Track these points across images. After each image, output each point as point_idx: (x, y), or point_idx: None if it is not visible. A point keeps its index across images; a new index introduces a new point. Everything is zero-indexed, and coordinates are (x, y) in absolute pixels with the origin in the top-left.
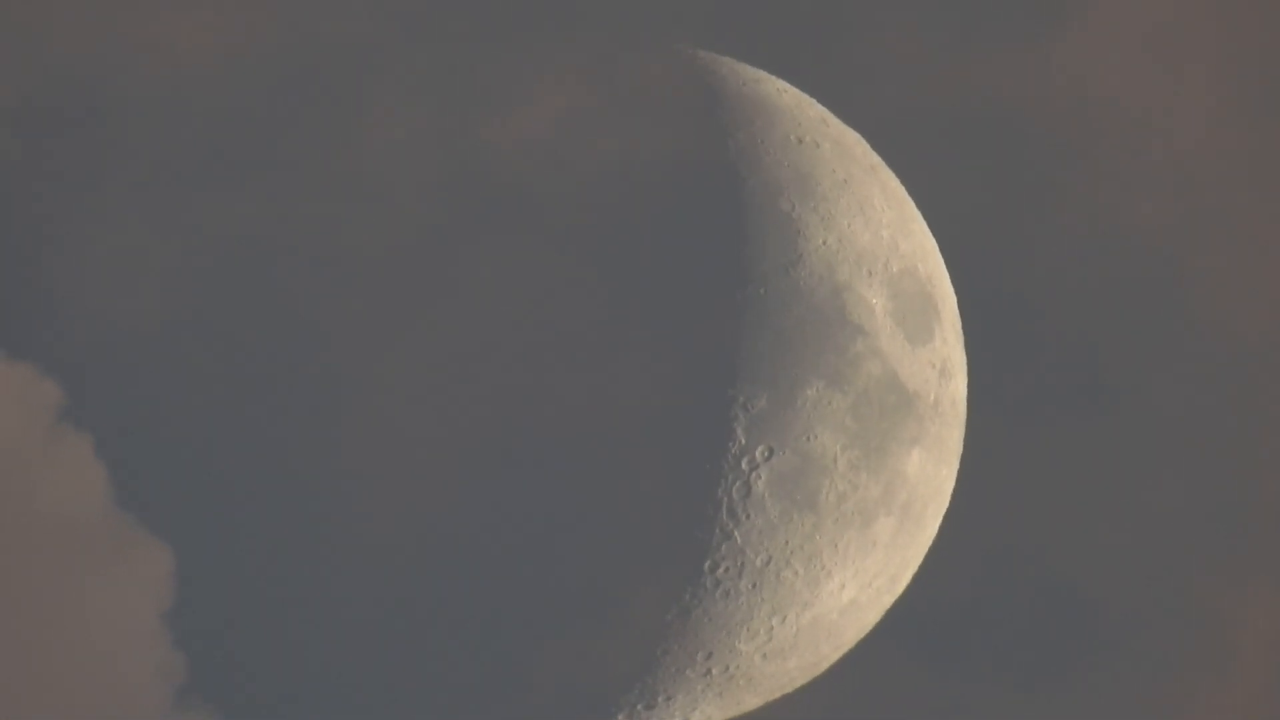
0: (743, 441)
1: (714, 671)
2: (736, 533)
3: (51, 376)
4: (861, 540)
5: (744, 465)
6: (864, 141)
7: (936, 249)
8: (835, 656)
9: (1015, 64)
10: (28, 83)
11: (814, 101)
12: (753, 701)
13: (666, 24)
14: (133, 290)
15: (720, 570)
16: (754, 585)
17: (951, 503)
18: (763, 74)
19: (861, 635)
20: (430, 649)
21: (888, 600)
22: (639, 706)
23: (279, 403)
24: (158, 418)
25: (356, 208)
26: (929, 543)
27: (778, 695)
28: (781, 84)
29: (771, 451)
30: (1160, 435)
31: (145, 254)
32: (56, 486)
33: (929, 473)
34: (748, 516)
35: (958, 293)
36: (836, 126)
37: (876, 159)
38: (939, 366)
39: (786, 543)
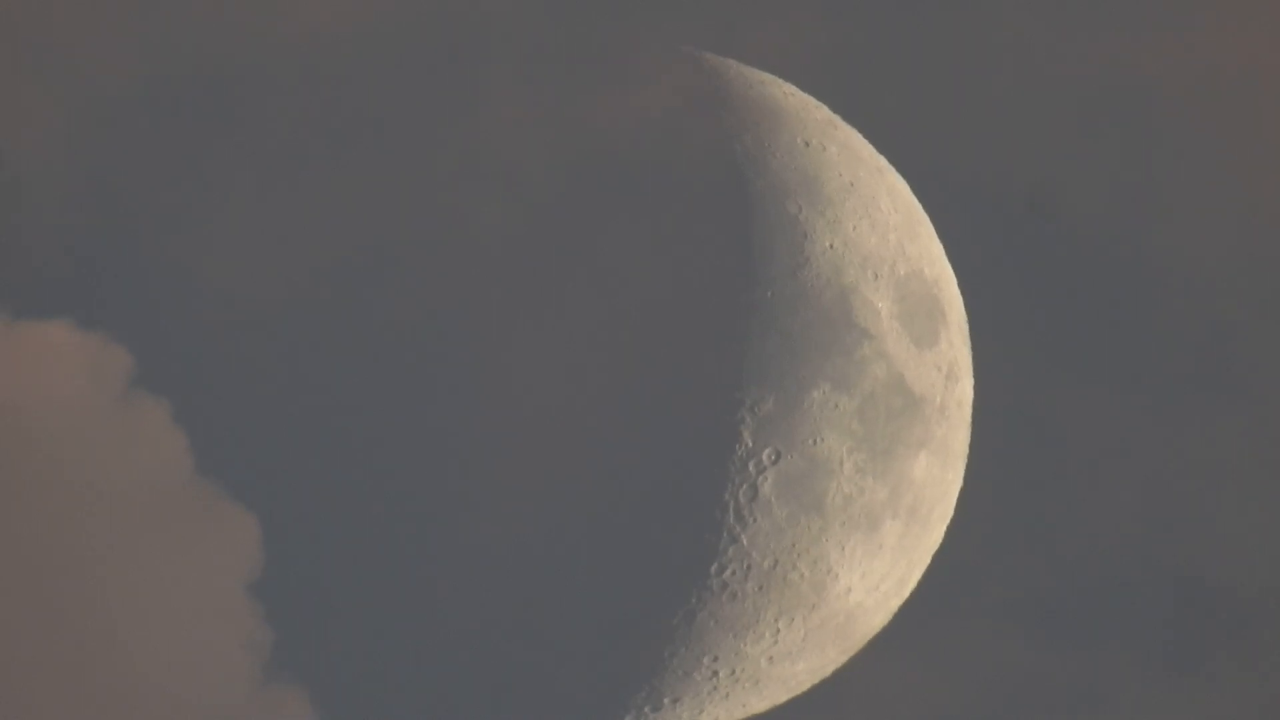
0: (749, 444)
1: (720, 674)
2: (743, 535)
3: (127, 344)
4: (868, 543)
5: (751, 468)
6: (870, 144)
7: (943, 252)
8: (842, 659)
9: (1019, 65)
10: (156, 56)
11: (820, 104)
12: (759, 704)
13: (671, 26)
14: (245, 260)
15: (727, 573)
16: (760, 588)
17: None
18: (769, 76)
19: (868, 638)
20: (439, 648)
21: (894, 603)
22: (646, 709)
23: (371, 370)
24: (241, 384)
25: (475, 184)
26: (935, 545)
27: (785, 698)
28: (788, 87)
29: (778, 454)
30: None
31: (250, 224)
32: (134, 454)
33: (935, 476)
34: (754, 519)
35: (963, 295)
36: (843, 129)
37: (883, 162)
38: (945, 369)
39: (793, 545)
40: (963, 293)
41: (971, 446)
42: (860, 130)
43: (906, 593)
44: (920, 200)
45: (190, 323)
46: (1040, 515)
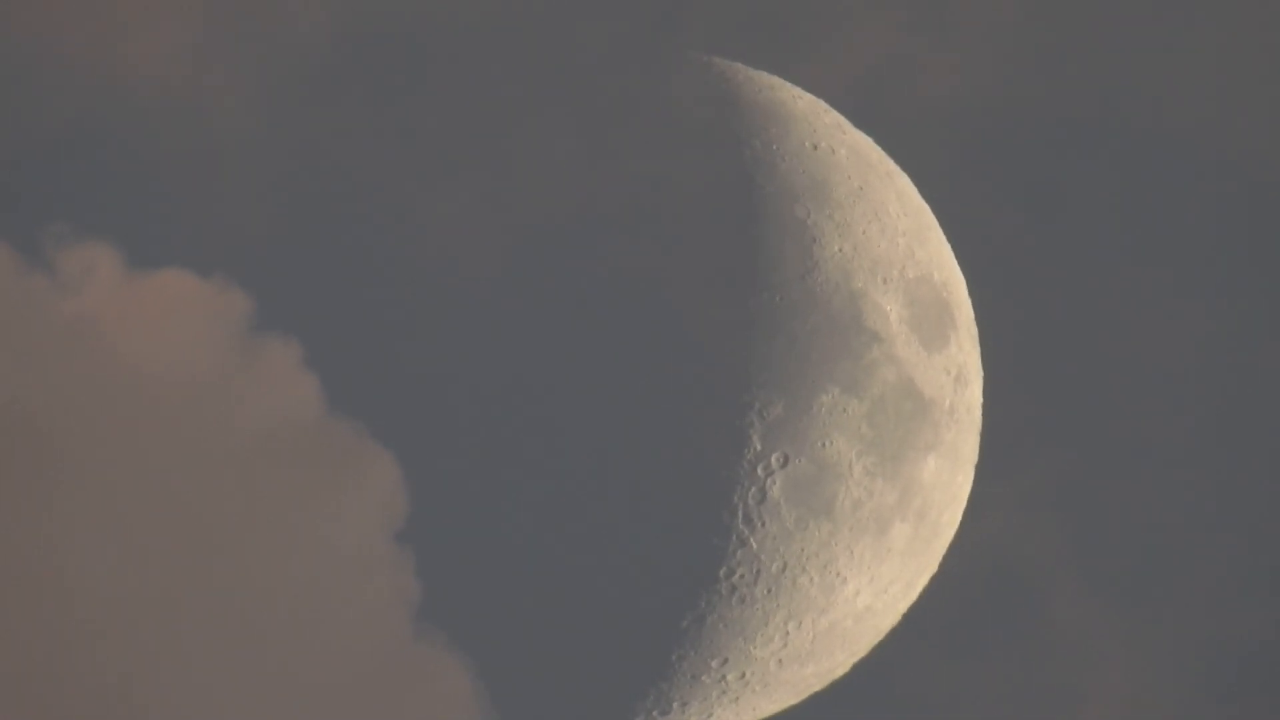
0: (758, 448)
1: (729, 678)
2: (752, 539)
3: (247, 289)
4: (877, 547)
5: (759, 471)
6: (879, 148)
7: (952, 256)
8: (850, 663)
9: (1025, 67)
10: (333, 35)
11: (829, 108)
12: (768, 708)
13: (679, 30)
14: (381, 206)
15: (736, 576)
16: (769, 591)
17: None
18: (778, 80)
19: (877, 642)
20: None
21: (903, 606)
22: (654, 713)
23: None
24: (375, 323)
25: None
26: (945, 549)
27: (793, 702)
28: (797, 90)
29: (787, 458)
30: None
31: (386, 172)
32: (265, 398)
33: (945, 479)
34: (763, 523)
35: (973, 299)
36: (852, 133)
37: (892, 165)
38: (954, 373)
39: (802, 549)
40: (972, 297)
41: (981, 450)
42: (869, 134)
43: (915, 596)
44: (929, 204)
45: (323, 274)
46: (1049, 519)
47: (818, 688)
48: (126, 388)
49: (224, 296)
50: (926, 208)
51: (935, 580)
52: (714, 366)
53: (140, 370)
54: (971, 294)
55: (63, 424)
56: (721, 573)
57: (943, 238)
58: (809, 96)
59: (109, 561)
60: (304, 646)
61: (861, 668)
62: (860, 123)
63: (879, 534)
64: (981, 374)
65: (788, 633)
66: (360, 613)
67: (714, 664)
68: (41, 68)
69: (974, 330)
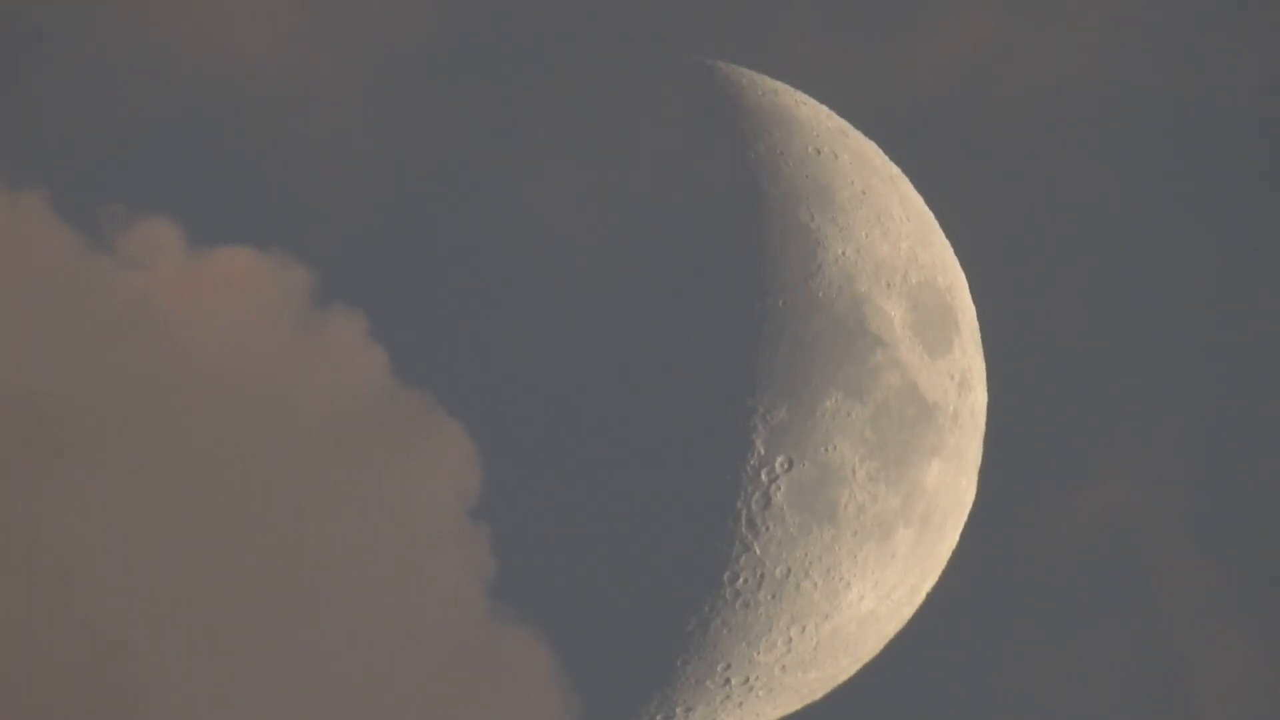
0: (762, 453)
1: (733, 683)
2: (756, 544)
3: (309, 263)
4: (880, 552)
5: (763, 476)
6: (882, 153)
7: (955, 260)
8: (855, 668)
9: (1030, 70)
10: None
11: (832, 113)
12: (772, 713)
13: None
14: (441, 172)
15: (739, 581)
16: (773, 596)
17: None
18: (781, 85)
19: (881, 646)
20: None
21: (907, 612)
22: (658, 718)
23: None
24: (444, 293)
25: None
26: (949, 554)
27: (797, 707)
28: (800, 95)
29: (791, 463)
30: None
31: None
32: (331, 373)
33: (948, 484)
34: (767, 528)
35: (976, 303)
36: (855, 138)
37: (895, 170)
38: (958, 378)
39: (805, 554)
40: (975, 301)
41: (984, 455)
42: (872, 138)
43: (919, 601)
44: (932, 208)
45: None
46: (1053, 522)
47: (822, 693)
48: (190, 367)
49: (285, 271)
50: (929, 212)
51: (938, 585)
52: (717, 371)
53: (203, 348)
54: (974, 298)
55: (126, 405)
56: (725, 577)
57: (946, 241)
58: (811, 101)
59: (178, 543)
60: (376, 627)
61: (865, 673)
62: (862, 126)
63: (882, 539)
64: (985, 378)
65: (791, 638)
66: (433, 591)
67: (718, 669)
68: (150, 49)
69: (977, 334)
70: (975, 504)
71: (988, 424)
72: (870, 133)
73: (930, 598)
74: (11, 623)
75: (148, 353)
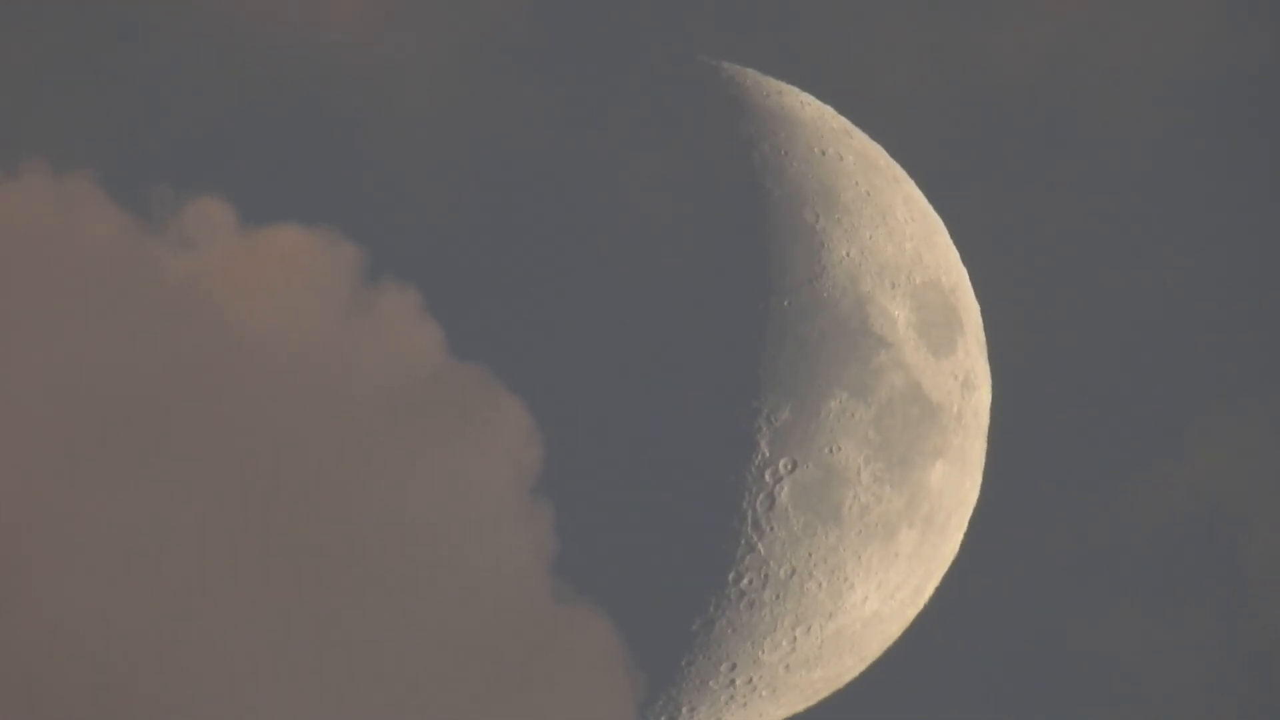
0: (766, 453)
1: (738, 683)
2: (760, 544)
3: (360, 241)
4: (884, 552)
5: (768, 477)
6: (887, 153)
7: (960, 260)
8: (859, 668)
9: (1035, 72)
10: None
11: (836, 113)
12: (776, 713)
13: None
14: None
15: (744, 582)
16: (777, 597)
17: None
18: (786, 86)
19: (885, 647)
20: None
21: (911, 612)
22: (663, 718)
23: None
24: (495, 264)
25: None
26: (953, 555)
27: (802, 707)
28: (805, 96)
29: (795, 463)
30: None
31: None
32: (385, 350)
33: (952, 485)
34: (771, 528)
35: (980, 304)
36: (860, 138)
37: (900, 171)
38: (962, 378)
39: (810, 554)
40: (979, 301)
41: (988, 455)
42: (876, 139)
43: (923, 602)
44: (936, 209)
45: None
46: (1057, 524)
47: (826, 693)
48: (243, 349)
49: (336, 248)
50: (933, 212)
51: (942, 585)
52: (722, 371)
53: (257, 329)
54: (978, 298)
55: (180, 389)
56: (730, 577)
57: (950, 242)
58: (816, 102)
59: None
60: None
61: (869, 673)
62: (867, 127)
63: (886, 539)
64: (989, 378)
65: (795, 638)
66: (496, 569)
67: (722, 669)
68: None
69: (981, 335)
70: (979, 504)
71: (992, 424)
72: (875, 134)
73: (934, 598)
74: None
75: (201, 335)
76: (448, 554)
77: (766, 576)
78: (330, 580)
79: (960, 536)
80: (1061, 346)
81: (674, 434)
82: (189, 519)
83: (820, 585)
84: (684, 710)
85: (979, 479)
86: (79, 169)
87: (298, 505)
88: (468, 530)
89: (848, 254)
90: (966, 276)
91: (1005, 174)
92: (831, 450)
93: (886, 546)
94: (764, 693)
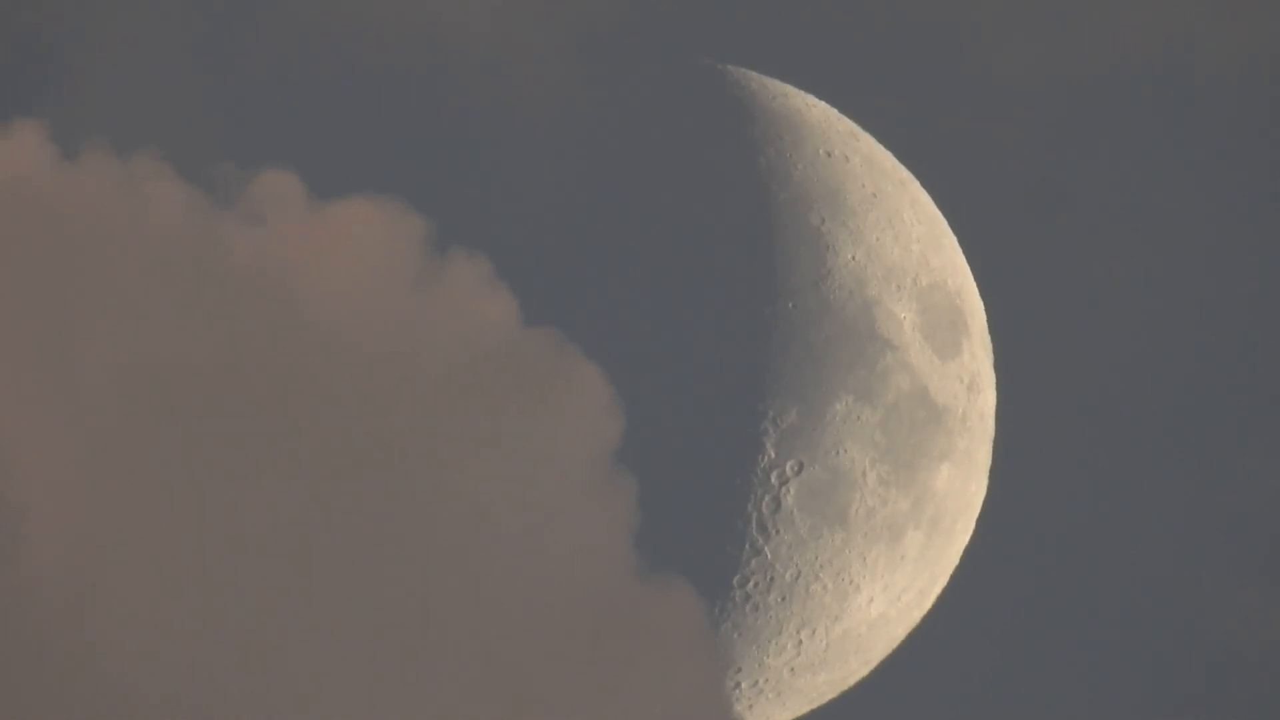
0: (772, 456)
1: (743, 685)
2: (766, 547)
3: (424, 213)
4: (890, 555)
5: (774, 480)
6: (893, 156)
7: (965, 263)
8: (864, 671)
9: (1040, 76)
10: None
11: (843, 116)
12: (782, 715)
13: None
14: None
15: (749, 584)
16: (783, 599)
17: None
18: (791, 88)
19: (890, 649)
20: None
21: (916, 614)
22: None
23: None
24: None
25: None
26: (958, 557)
27: (807, 709)
28: (811, 98)
29: (801, 466)
30: None
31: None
32: (457, 320)
33: (958, 487)
34: (777, 531)
35: (986, 307)
36: (866, 141)
37: (906, 173)
38: (968, 381)
39: (815, 557)
40: (985, 304)
41: (993, 458)
42: (883, 142)
43: (928, 604)
44: (943, 212)
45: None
46: (1062, 526)
47: (831, 695)
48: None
49: (403, 220)
50: (940, 215)
51: (948, 588)
52: (728, 374)
53: (327, 304)
54: (984, 301)
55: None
56: (735, 580)
57: (956, 245)
58: (823, 105)
59: (309, 503)
60: (518, 582)
61: (875, 675)
62: (873, 130)
63: (892, 542)
64: (994, 381)
65: (801, 640)
66: (577, 544)
67: (728, 672)
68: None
69: (987, 337)
70: (984, 507)
71: (997, 426)
72: (881, 136)
73: (940, 600)
74: (165, 579)
75: (271, 311)
76: (527, 528)
77: (772, 579)
78: (408, 558)
79: (966, 538)
80: (1067, 349)
81: (681, 436)
82: (264, 495)
83: (826, 588)
84: None
85: (985, 481)
86: (145, 148)
87: (372, 481)
88: (547, 504)
89: (854, 257)
90: (972, 279)
91: (1011, 177)
92: (838, 453)
93: (893, 549)
94: (769, 695)
